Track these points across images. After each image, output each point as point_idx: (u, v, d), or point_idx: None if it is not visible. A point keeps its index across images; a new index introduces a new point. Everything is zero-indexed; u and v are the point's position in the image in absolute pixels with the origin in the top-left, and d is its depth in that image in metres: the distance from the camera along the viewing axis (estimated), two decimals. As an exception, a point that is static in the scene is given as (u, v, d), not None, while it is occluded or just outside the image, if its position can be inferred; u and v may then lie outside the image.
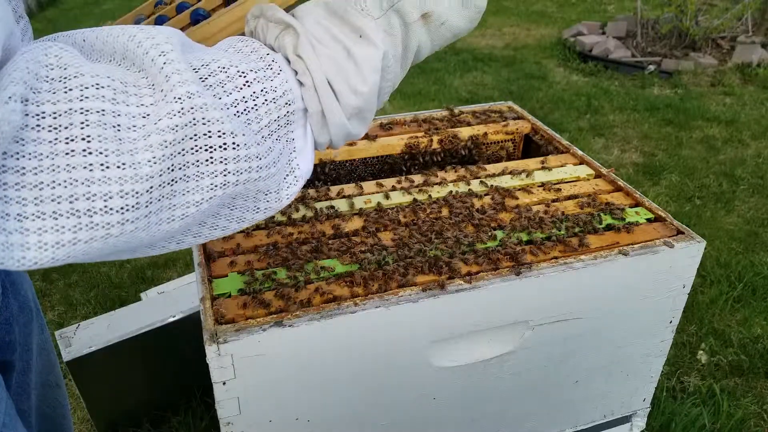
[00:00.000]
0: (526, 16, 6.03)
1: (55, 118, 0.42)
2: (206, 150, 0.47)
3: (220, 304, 0.97)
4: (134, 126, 0.44)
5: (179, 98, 0.45)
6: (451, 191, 1.28)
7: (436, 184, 1.32)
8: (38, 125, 0.41)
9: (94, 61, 0.49)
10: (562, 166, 1.40)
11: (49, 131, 0.41)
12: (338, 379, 1.01)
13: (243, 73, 0.51)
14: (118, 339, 1.60)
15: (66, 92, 0.42)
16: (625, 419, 1.37)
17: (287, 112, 0.54)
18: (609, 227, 1.18)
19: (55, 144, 0.41)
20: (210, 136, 0.47)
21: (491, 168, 1.38)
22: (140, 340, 1.62)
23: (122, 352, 1.61)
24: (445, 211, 1.21)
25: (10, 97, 0.39)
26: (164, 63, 0.46)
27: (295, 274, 1.03)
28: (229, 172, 0.49)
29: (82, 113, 0.42)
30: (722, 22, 4.66)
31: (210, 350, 0.89)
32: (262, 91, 0.52)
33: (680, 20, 4.58)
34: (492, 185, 1.31)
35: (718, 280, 2.37)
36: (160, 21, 0.78)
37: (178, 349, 1.66)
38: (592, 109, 3.95)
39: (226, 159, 0.48)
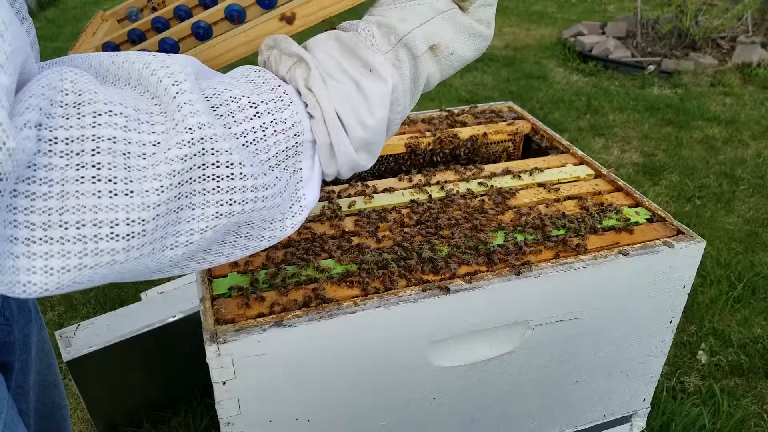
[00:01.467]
0: (526, 16, 6.03)
1: (67, 144, 0.42)
2: (213, 179, 0.48)
3: (220, 304, 0.97)
4: (144, 154, 0.45)
5: (190, 128, 0.46)
6: (451, 191, 1.28)
7: (436, 184, 1.32)
8: (50, 150, 0.42)
9: (110, 85, 0.50)
10: (562, 166, 1.40)
11: (61, 157, 0.42)
12: (338, 379, 1.01)
13: (254, 104, 0.52)
14: (118, 339, 1.60)
15: (79, 118, 0.43)
16: (625, 419, 1.37)
17: (296, 143, 0.55)
18: (609, 227, 1.18)
19: (66, 170, 0.42)
20: (218, 166, 0.48)
21: (491, 168, 1.38)
22: (140, 340, 1.62)
23: (122, 352, 1.61)
24: (444, 212, 1.21)
25: (24, 124, 0.40)
26: (177, 92, 0.47)
27: (296, 275, 1.03)
28: (234, 202, 0.50)
29: (93, 140, 0.43)
30: (722, 22, 4.66)
31: (210, 350, 0.89)
32: (271, 122, 0.53)
33: (680, 20, 4.58)
34: (492, 185, 1.31)
35: (718, 280, 2.37)
36: (156, 23, 0.78)
37: (178, 349, 1.66)
38: (592, 109, 3.95)
39: (232, 189, 0.49)
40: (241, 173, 0.49)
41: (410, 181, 1.33)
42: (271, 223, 0.56)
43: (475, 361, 1.09)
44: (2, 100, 0.37)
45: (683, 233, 1.16)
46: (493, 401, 1.18)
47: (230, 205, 0.50)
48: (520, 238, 1.13)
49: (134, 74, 0.49)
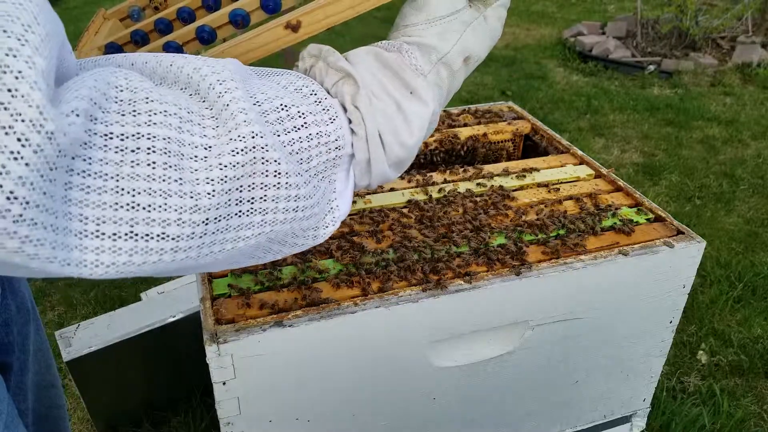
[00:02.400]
0: (526, 16, 6.03)
1: (122, 140, 0.42)
2: (261, 188, 0.49)
3: (220, 304, 0.97)
4: (196, 156, 0.46)
5: (243, 137, 0.47)
6: (451, 191, 1.28)
7: (436, 184, 1.32)
8: (105, 145, 0.42)
9: (158, 85, 0.50)
10: (562, 166, 1.40)
11: (116, 152, 0.42)
12: (338, 379, 1.01)
13: (302, 114, 0.53)
14: (118, 339, 1.60)
15: (134, 116, 0.43)
16: (625, 419, 1.37)
17: (336, 156, 0.56)
18: (609, 227, 1.18)
19: (121, 166, 0.42)
20: (267, 175, 0.49)
21: (491, 168, 1.38)
22: (140, 340, 1.62)
23: (122, 352, 1.61)
24: (444, 212, 1.21)
25: (72, 111, 0.39)
26: (230, 100, 0.48)
27: (296, 274, 1.03)
28: (279, 210, 0.51)
29: (149, 139, 0.43)
30: (722, 22, 4.66)
31: (210, 350, 0.89)
32: (317, 134, 0.54)
33: (680, 20, 4.58)
34: (492, 185, 1.31)
35: (718, 280, 2.37)
36: (159, 24, 0.77)
37: (178, 349, 1.66)
38: (592, 109, 3.95)
39: (278, 197, 0.50)
40: (287, 183, 0.50)
41: (410, 181, 1.32)
42: (305, 231, 0.57)
43: (475, 361, 1.09)
44: (39, 82, 0.36)
45: (683, 233, 1.16)
46: (493, 401, 1.18)
47: (274, 213, 0.51)
48: (519, 238, 1.13)
49: (182, 78, 0.49)
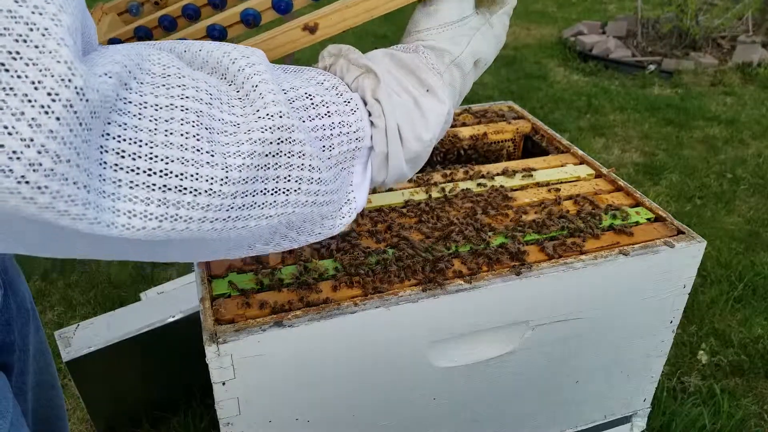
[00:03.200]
0: (526, 15, 6.03)
1: (156, 110, 0.44)
2: (286, 167, 0.51)
3: (219, 304, 0.97)
4: (226, 131, 0.47)
5: (272, 115, 0.48)
6: (450, 191, 1.28)
7: (436, 184, 1.31)
8: (140, 113, 0.43)
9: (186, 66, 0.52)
10: (562, 166, 1.39)
11: (150, 121, 0.43)
12: (338, 379, 1.01)
13: (326, 103, 0.55)
14: (118, 339, 1.60)
15: (168, 89, 0.45)
16: (625, 419, 1.37)
17: (355, 147, 0.58)
18: (609, 227, 1.18)
19: (154, 134, 0.43)
20: (292, 155, 0.50)
21: (491, 168, 1.38)
22: (140, 340, 1.62)
23: (122, 352, 1.61)
24: (444, 211, 1.21)
25: (105, 73, 0.41)
26: (259, 81, 0.49)
27: (296, 274, 1.03)
28: (301, 192, 0.52)
29: (182, 110, 0.45)
30: (723, 21, 4.66)
31: (210, 350, 0.89)
32: (339, 123, 0.56)
33: (681, 20, 4.58)
34: (492, 185, 1.31)
35: (719, 280, 2.37)
36: (163, 20, 0.77)
37: (178, 349, 1.65)
38: (593, 108, 3.95)
39: (301, 179, 0.52)
40: (311, 165, 0.52)
41: (410, 180, 1.32)
42: (322, 219, 0.59)
43: (475, 361, 1.09)
44: (66, 39, 0.37)
45: (684, 233, 1.16)
46: (493, 401, 1.18)
47: (297, 194, 0.52)
48: (520, 238, 1.13)
49: (211, 61, 0.51)
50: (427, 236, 1.13)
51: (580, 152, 1.44)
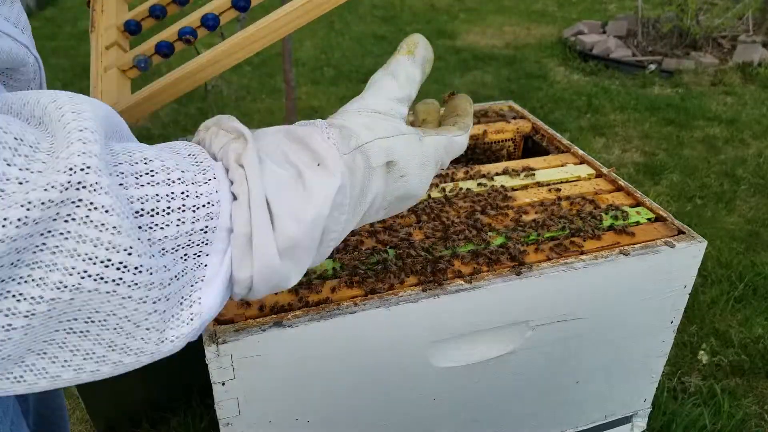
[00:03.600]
0: (526, 15, 6.03)
1: None
2: (75, 239, 0.38)
3: (219, 305, 0.97)
4: (2, 191, 0.36)
5: (70, 169, 0.37)
6: (450, 191, 1.28)
7: (436, 184, 1.31)
8: None
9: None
10: (562, 166, 1.39)
11: None
12: (338, 379, 1.01)
13: (168, 169, 0.44)
14: (118, 339, 1.60)
15: None
16: (626, 419, 1.37)
17: (205, 227, 0.45)
18: (610, 227, 1.17)
19: None
20: (86, 223, 0.38)
21: (491, 168, 1.38)
22: (140, 340, 1.62)
23: (122, 352, 1.61)
24: (444, 211, 1.21)
25: None
26: (74, 127, 0.39)
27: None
28: (89, 275, 0.39)
29: None
30: (723, 21, 4.66)
31: (209, 350, 0.89)
32: (182, 193, 0.43)
33: (681, 19, 4.58)
34: (492, 185, 1.30)
35: (719, 280, 2.37)
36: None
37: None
38: (593, 108, 3.95)
39: (94, 257, 0.39)
40: (110, 242, 0.39)
41: (410, 180, 1.32)
42: (138, 328, 0.43)
43: (475, 361, 1.09)
44: None
45: (684, 233, 1.16)
46: (493, 401, 1.17)
47: (81, 276, 0.38)
48: (520, 238, 1.13)
49: (38, 111, 0.42)
50: (427, 236, 1.13)
51: (581, 152, 1.44)
